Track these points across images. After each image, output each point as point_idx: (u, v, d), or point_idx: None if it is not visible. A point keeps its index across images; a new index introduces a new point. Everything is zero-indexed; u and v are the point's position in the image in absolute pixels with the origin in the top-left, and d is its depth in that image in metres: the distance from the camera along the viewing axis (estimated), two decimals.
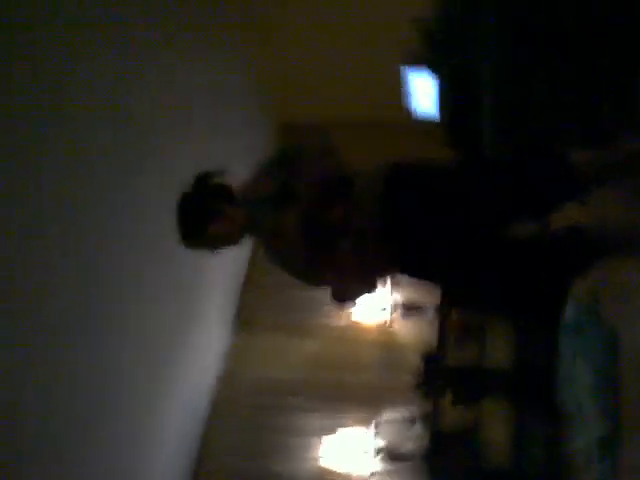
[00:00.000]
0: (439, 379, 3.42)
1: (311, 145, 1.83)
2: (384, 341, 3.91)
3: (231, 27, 3.81)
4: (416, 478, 3.38)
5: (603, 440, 2.15)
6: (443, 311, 3.63)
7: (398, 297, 3.94)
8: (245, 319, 4.14)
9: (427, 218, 1.68)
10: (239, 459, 3.67)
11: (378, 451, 3.55)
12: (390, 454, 3.53)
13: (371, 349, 3.90)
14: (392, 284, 3.86)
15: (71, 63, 2.21)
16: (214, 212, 1.73)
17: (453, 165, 1.92)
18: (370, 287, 1.80)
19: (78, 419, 2.44)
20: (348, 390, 3.78)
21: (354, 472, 3.52)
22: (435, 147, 2.71)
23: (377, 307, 3.91)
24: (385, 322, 3.96)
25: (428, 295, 3.74)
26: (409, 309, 3.94)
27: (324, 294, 1.83)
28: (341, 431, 3.64)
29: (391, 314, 3.94)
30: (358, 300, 2.08)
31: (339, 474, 3.54)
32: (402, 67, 3.48)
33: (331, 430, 3.65)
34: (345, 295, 1.80)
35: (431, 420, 3.46)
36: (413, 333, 3.88)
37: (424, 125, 3.54)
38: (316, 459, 3.61)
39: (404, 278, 2.03)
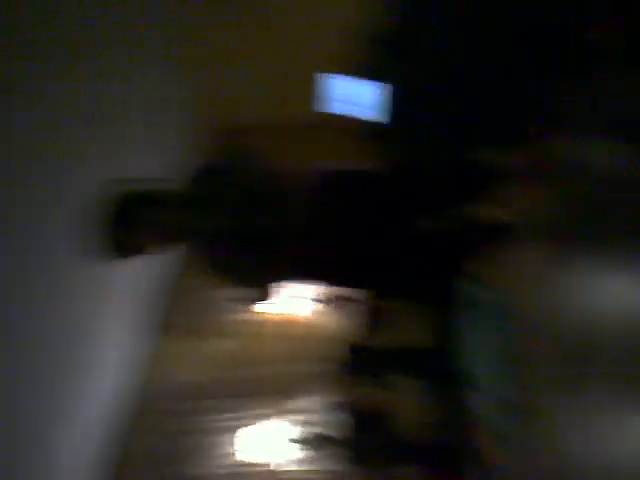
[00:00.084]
0: (364, 366, 3.53)
1: (237, 153, 1.89)
2: (307, 333, 4.00)
3: (157, 38, 3.78)
4: (338, 463, 3.48)
5: (507, 402, 2.35)
6: (364, 300, 3.74)
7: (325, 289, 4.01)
8: (160, 323, 4.09)
9: (356, 222, 1.84)
10: (156, 466, 3.63)
11: (298, 440, 3.64)
12: (315, 441, 3.63)
13: (292, 342, 3.97)
14: None
15: None
16: (142, 219, 1.75)
17: (376, 171, 2.05)
18: (266, 295, 1.88)
19: None
20: (265, 385, 3.83)
21: (275, 463, 3.60)
22: (353, 148, 2.82)
23: (303, 299, 3.98)
24: (305, 313, 4.04)
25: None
26: (336, 300, 4.01)
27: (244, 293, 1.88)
28: (263, 425, 3.70)
29: (318, 305, 4.00)
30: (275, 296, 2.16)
31: (260, 466, 3.60)
32: (327, 73, 3.56)
33: (249, 426, 3.70)
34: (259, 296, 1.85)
35: (351, 405, 3.57)
36: (333, 323, 3.94)
37: (343, 127, 3.64)
38: (235, 456, 3.64)
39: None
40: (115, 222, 1.71)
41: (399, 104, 2.59)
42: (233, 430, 3.73)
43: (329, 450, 3.56)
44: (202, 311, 4.03)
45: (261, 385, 3.83)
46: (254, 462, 3.63)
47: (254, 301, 1.96)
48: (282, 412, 3.77)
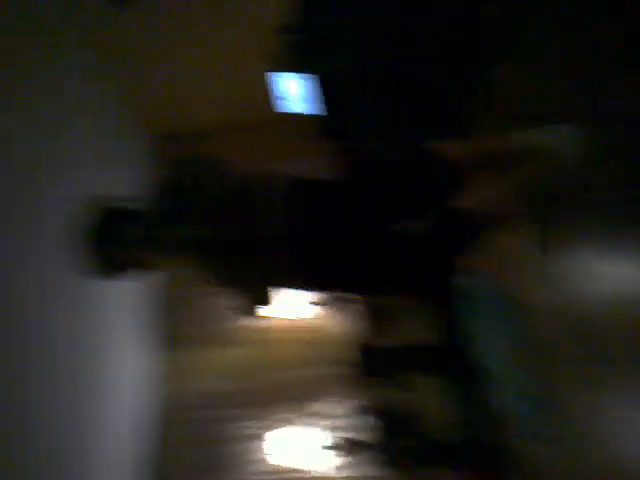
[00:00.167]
0: (378, 366, 3.43)
1: (204, 163, 1.85)
2: (310, 336, 3.93)
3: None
4: (370, 468, 3.40)
5: (527, 395, 2.26)
6: (366, 301, 3.68)
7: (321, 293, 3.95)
8: (171, 335, 4.06)
9: (329, 229, 1.80)
10: (188, 476, 3.64)
11: (330, 446, 3.55)
12: (342, 447, 3.53)
13: (298, 346, 3.91)
14: None
15: None
16: (126, 238, 1.71)
17: (342, 177, 1.99)
18: (263, 302, 1.85)
19: None
20: (285, 390, 3.79)
21: (306, 469, 3.57)
22: (307, 144, 2.74)
23: (301, 303, 3.91)
24: (311, 317, 3.97)
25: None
26: (333, 302, 3.95)
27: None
28: (286, 431, 3.66)
29: (316, 308, 3.93)
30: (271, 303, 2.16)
31: (291, 472, 3.58)
32: (268, 71, 3.47)
33: (275, 432, 3.67)
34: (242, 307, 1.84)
35: (376, 408, 3.47)
36: (339, 325, 3.86)
37: (294, 124, 3.54)
38: (265, 463, 3.63)
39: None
40: (95, 240, 1.69)
41: (333, 94, 2.56)
42: (260, 437, 3.71)
43: (360, 455, 3.47)
44: (211, 320, 3.97)
45: (281, 391, 3.80)
46: (284, 468, 3.61)
47: (254, 308, 1.93)
48: (307, 417, 3.71)
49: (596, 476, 1.72)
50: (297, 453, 3.60)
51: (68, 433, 2.95)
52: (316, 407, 3.71)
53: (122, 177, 3.72)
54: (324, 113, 2.77)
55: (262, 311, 3.68)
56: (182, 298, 3.99)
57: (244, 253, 1.74)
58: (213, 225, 1.72)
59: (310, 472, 3.56)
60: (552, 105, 1.65)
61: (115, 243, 1.70)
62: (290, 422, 3.70)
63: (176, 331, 4.05)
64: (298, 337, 3.95)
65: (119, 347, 3.62)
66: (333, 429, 3.63)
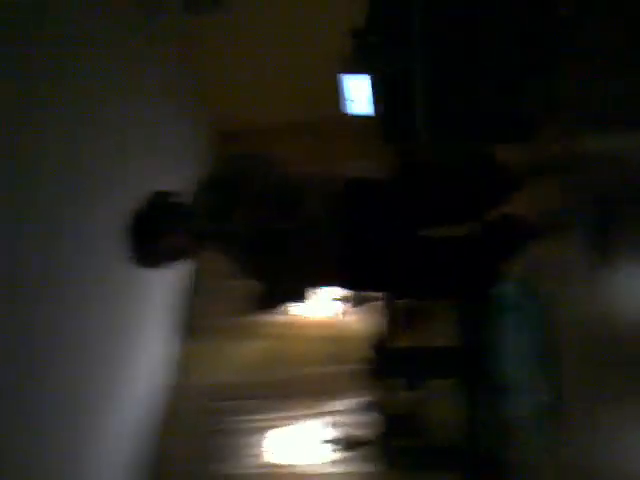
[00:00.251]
0: (391, 366, 3.43)
1: (254, 159, 1.88)
2: (333, 334, 3.94)
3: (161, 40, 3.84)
4: (373, 464, 3.39)
5: (545, 407, 2.22)
6: (391, 301, 3.61)
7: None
8: (192, 325, 4.10)
9: (379, 229, 1.79)
10: (193, 465, 3.63)
11: (333, 441, 3.59)
12: (346, 442, 3.57)
13: (320, 342, 3.92)
14: None
15: None
16: (167, 229, 1.76)
17: (396, 178, 2.02)
18: (300, 298, 1.86)
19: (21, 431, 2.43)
20: (297, 386, 3.79)
21: (311, 464, 3.57)
22: (372, 147, 2.73)
23: (327, 300, 3.93)
24: (335, 314, 4.00)
25: None
26: (359, 300, 3.94)
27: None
28: (294, 426, 3.67)
29: (341, 306, 3.98)
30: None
31: (292, 467, 3.57)
32: (337, 72, 3.53)
33: (284, 427, 3.68)
34: (271, 303, 1.82)
35: (383, 406, 3.48)
36: (363, 324, 3.90)
37: (360, 127, 3.58)
38: (271, 456, 3.63)
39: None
40: (140, 232, 1.74)
41: (399, 96, 2.56)
42: (266, 431, 3.73)
43: (360, 451, 3.48)
44: (234, 313, 3.97)
45: (293, 386, 3.80)
46: (286, 463, 3.61)
47: (287, 303, 1.99)
48: (315, 413, 3.72)
49: None
50: (302, 448, 3.63)
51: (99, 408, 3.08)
52: (327, 404, 3.72)
53: (184, 174, 3.82)
54: (389, 115, 2.79)
55: (295, 308, 3.75)
56: (211, 288, 4.03)
57: (283, 249, 1.75)
58: (255, 220, 1.74)
59: (312, 466, 3.56)
60: (621, 110, 1.60)
61: (159, 234, 1.75)
62: (300, 418, 3.71)
63: (201, 321, 4.09)
64: (320, 334, 3.97)
65: (145, 334, 3.71)
66: (336, 425, 3.66)
